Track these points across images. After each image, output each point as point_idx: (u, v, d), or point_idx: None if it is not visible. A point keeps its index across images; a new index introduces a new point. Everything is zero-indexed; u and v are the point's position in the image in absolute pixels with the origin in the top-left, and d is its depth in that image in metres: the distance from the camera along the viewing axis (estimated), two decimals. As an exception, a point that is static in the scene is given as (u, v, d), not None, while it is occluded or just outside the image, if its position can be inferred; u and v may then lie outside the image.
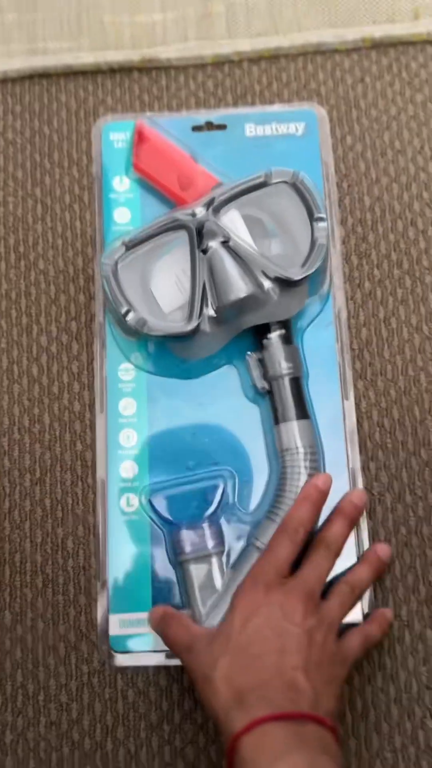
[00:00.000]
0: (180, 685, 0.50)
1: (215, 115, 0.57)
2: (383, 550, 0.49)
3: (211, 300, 0.48)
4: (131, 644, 0.49)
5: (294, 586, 0.43)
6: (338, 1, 0.61)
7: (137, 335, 0.51)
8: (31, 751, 0.49)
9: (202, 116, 0.57)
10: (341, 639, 0.44)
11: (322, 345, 0.53)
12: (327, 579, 0.45)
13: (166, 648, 0.47)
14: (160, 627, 0.46)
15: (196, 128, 0.57)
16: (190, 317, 0.48)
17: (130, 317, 0.49)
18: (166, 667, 0.50)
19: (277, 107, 0.57)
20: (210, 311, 0.49)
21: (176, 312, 0.50)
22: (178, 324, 0.49)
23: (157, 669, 0.50)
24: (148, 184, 0.55)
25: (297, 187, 0.50)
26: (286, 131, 0.56)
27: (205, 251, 0.49)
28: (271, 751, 0.37)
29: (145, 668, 0.50)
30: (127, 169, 0.56)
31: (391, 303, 0.55)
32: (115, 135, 0.57)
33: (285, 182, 0.50)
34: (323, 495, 0.47)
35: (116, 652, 0.49)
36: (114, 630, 0.49)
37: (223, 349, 0.51)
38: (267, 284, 0.48)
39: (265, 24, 0.60)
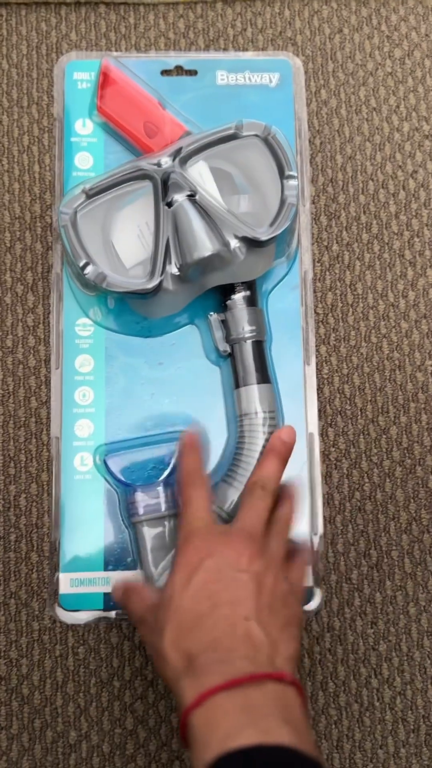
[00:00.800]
0: (131, 642, 0.50)
1: (186, 59, 0.54)
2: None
3: (175, 257, 0.47)
4: (82, 603, 0.48)
5: (234, 531, 0.42)
6: None
7: (96, 290, 0.50)
8: (-20, 705, 0.49)
9: (172, 59, 0.54)
10: (288, 574, 0.42)
11: (287, 308, 0.52)
12: (266, 518, 0.43)
13: (117, 606, 0.47)
14: (122, 602, 0.45)
15: (166, 72, 0.54)
16: (152, 274, 0.47)
17: (89, 271, 0.46)
18: (118, 625, 0.50)
19: (251, 54, 0.55)
20: (173, 269, 0.47)
21: (138, 267, 0.48)
22: (139, 280, 0.47)
23: (109, 626, 0.50)
24: (112, 128, 0.53)
25: (269, 142, 0.48)
26: (259, 81, 0.54)
27: (170, 204, 0.47)
28: (224, 726, 0.34)
29: (96, 626, 0.50)
30: (90, 112, 0.53)
31: (358, 267, 0.55)
32: (79, 74, 0.54)
33: (256, 136, 0.48)
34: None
35: (67, 610, 0.48)
36: (65, 588, 0.48)
37: (185, 309, 0.50)
38: (233, 243, 0.46)
39: (241, -38, 0.57)
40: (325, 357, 0.53)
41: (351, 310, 0.54)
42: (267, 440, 0.47)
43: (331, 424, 0.53)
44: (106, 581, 0.48)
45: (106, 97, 0.52)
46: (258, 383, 0.48)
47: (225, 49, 0.57)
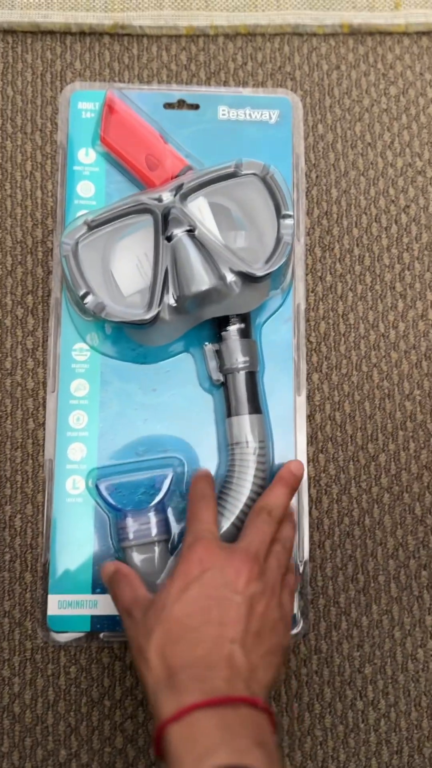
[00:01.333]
0: (122, 663, 0.51)
1: (189, 93, 0.56)
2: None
3: (173, 289, 0.48)
4: (69, 625, 0.49)
5: (238, 549, 0.42)
6: (319, -18, 0.59)
7: (94, 317, 0.51)
8: (-29, 723, 0.50)
9: (175, 93, 0.56)
10: (280, 600, 0.43)
11: (280, 339, 0.53)
12: (269, 543, 0.44)
13: (104, 629, 0.48)
14: (110, 584, 0.45)
15: (168, 105, 0.55)
16: (150, 305, 0.48)
17: (88, 300, 0.48)
18: (109, 646, 0.51)
19: (252, 91, 0.56)
20: (170, 300, 0.48)
21: (135, 295, 0.50)
22: (137, 311, 0.48)
23: (100, 647, 0.51)
24: (114, 159, 0.54)
25: (267, 182, 0.50)
26: (259, 117, 0.55)
27: (169, 239, 0.48)
28: (200, 744, 0.35)
29: (88, 646, 0.51)
30: (93, 141, 0.54)
31: (351, 298, 0.56)
32: (83, 104, 0.55)
33: (255, 174, 0.50)
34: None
35: (54, 632, 0.49)
36: (52, 610, 0.49)
37: (180, 337, 0.51)
38: (230, 277, 0.48)
39: (243, -2, 0.59)
40: (317, 384, 0.55)
41: (343, 339, 0.56)
42: (257, 470, 0.48)
43: (321, 450, 0.54)
44: (93, 604, 0.49)
45: (109, 128, 0.53)
46: (250, 413, 0.49)
47: (226, 82, 0.58)
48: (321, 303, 0.56)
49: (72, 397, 0.52)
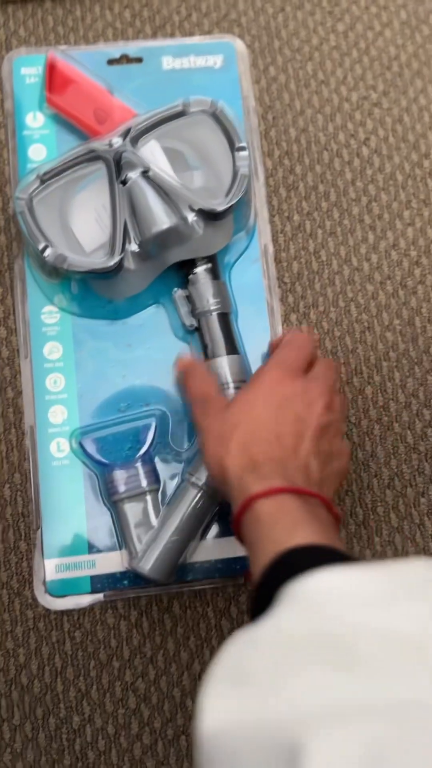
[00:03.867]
0: (127, 622, 0.50)
1: (131, 48, 0.55)
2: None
3: (134, 234, 0.47)
4: (69, 588, 0.48)
5: (316, 377, 0.44)
6: None
7: (58, 275, 0.50)
8: (-20, 699, 0.49)
9: (117, 49, 0.55)
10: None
11: (250, 281, 0.53)
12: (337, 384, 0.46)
13: (105, 588, 0.47)
14: (182, 377, 0.47)
15: (112, 61, 0.55)
16: (112, 253, 0.47)
17: (48, 253, 0.47)
18: (113, 606, 0.50)
19: (194, 39, 0.56)
20: (133, 246, 0.47)
21: (98, 251, 0.49)
22: (99, 260, 0.47)
23: (104, 608, 0.50)
24: (64, 119, 0.53)
25: (216, 116, 0.49)
26: (204, 64, 0.55)
27: (124, 183, 0.47)
28: (291, 516, 0.37)
29: (92, 608, 0.50)
30: (40, 105, 0.54)
31: (321, 235, 0.56)
32: (26, 69, 0.54)
33: (204, 111, 0.49)
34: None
35: (54, 596, 0.48)
36: (50, 575, 0.48)
37: (149, 288, 0.50)
38: (191, 217, 0.47)
39: None
40: (296, 324, 0.54)
41: (317, 277, 0.55)
42: None
43: (306, 388, 0.53)
44: (91, 564, 0.48)
45: (53, 87, 0.53)
46: (227, 354, 0.49)
47: (172, 35, 0.58)
48: (291, 243, 0.55)
49: (46, 361, 0.51)
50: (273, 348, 0.50)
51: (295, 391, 0.43)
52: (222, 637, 0.50)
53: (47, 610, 0.50)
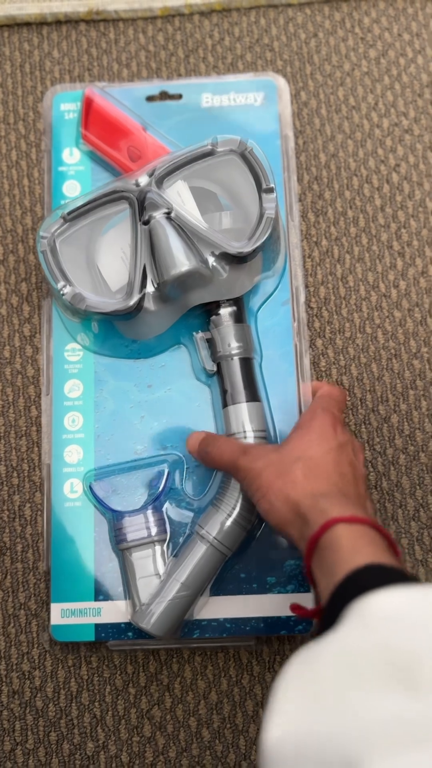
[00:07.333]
0: (143, 649, 0.49)
1: (170, 84, 0.55)
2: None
3: (152, 275, 0.46)
4: (72, 634, 0.47)
5: (352, 436, 0.46)
6: None
7: (79, 314, 0.49)
8: (-7, 721, 0.48)
9: (156, 86, 0.55)
10: None
11: (278, 324, 0.51)
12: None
13: (109, 637, 0.47)
14: (203, 445, 0.46)
15: (151, 98, 0.55)
16: (130, 294, 0.46)
17: (66, 292, 0.46)
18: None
19: (235, 77, 0.55)
20: (152, 288, 0.46)
21: (124, 290, 0.47)
22: (116, 301, 0.46)
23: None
24: (98, 155, 0.53)
25: (245, 157, 0.48)
26: (244, 101, 0.55)
27: (146, 222, 0.46)
28: (372, 540, 0.37)
29: (96, 653, 0.49)
30: (77, 141, 0.54)
31: (349, 261, 0.55)
32: (65, 105, 0.55)
33: (233, 151, 0.48)
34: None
35: (58, 641, 0.48)
36: (55, 619, 0.47)
37: (173, 329, 0.49)
38: (212, 260, 0.46)
39: (215, -24, 0.59)
40: (322, 350, 0.54)
41: (344, 302, 0.55)
42: None
43: (331, 415, 0.53)
44: (97, 612, 0.48)
45: (89, 124, 0.53)
46: (247, 401, 0.47)
47: (204, 59, 0.58)
48: (318, 268, 0.55)
49: (66, 399, 0.50)
50: (313, 391, 0.50)
51: (346, 440, 0.44)
52: (239, 663, 0.49)
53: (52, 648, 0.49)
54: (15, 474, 0.51)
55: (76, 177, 0.54)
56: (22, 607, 0.50)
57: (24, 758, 0.48)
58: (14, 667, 0.49)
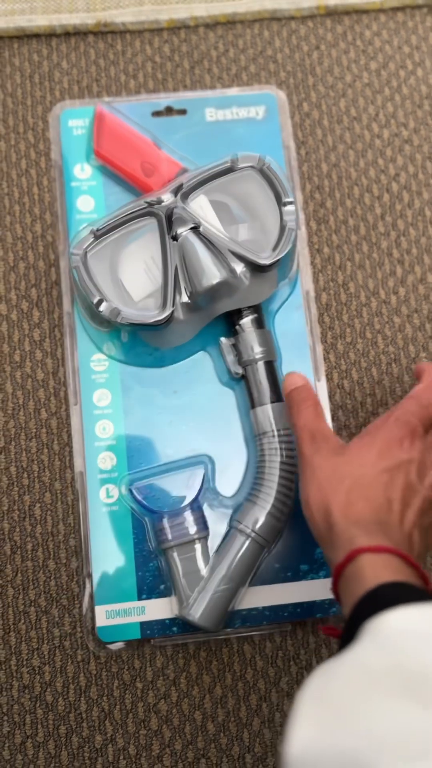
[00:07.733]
0: (150, 644, 0.51)
1: (175, 99, 0.57)
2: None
3: (185, 287, 0.49)
4: (119, 635, 0.49)
5: (424, 451, 0.42)
6: (293, -32, 0.61)
7: (109, 326, 0.51)
8: (5, 714, 0.50)
9: (161, 100, 0.57)
10: None
11: (293, 327, 0.54)
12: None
13: (155, 634, 0.49)
14: (290, 400, 0.47)
15: (156, 113, 0.57)
16: (164, 306, 0.48)
17: (103, 307, 0.48)
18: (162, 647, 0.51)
19: (237, 90, 0.57)
20: (183, 298, 0.49)
21: (147, 300, 0.50)
22: (151, 313, 0.49)
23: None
24: (110, 170, 0.55)
25: (264, 172, 0.51)
26: (246, 115, 0.57)
27: (175, 238, 0.49)
28: (397, 569, 0.37)
29: (138, 647, 0.51)
30: (87, 156, 0.55)
31: (350, 268, 0.57)
32: (73, 121, 0.56)
33: (252, 167, 0.51)
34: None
35: (105, 642, 0.49)
36: (100, 621, 0.49)
37: (195, 336, 0.52)
38: (239, 269, 0.48)
39: (220, -11, 0.60)
40: (324, 355, 0.55)
41: (345, 308, 0.56)
42: (285, 457, 0.49)
43: (333, 418, 0.54)
44: (141, 611, 0.49)
45: (102, 141, 0.54)
46: (272, 402, 0.50)
47: (209, 70, 0.60)
48: (320, 275, 0.57)
49: (96, 408, 0.52)
50: (418, 374, 0.47)
51: (411, 458, 0.42)
52: (242, 658, 0.51)
53: (73, 628, 0.51)
54: (25, 475, 0.53)
55: (89, 192, 0.55)
56: (32, 604, 0.51)
57: (34, 751, 0.49)
58: (24, 663, 0.50)
